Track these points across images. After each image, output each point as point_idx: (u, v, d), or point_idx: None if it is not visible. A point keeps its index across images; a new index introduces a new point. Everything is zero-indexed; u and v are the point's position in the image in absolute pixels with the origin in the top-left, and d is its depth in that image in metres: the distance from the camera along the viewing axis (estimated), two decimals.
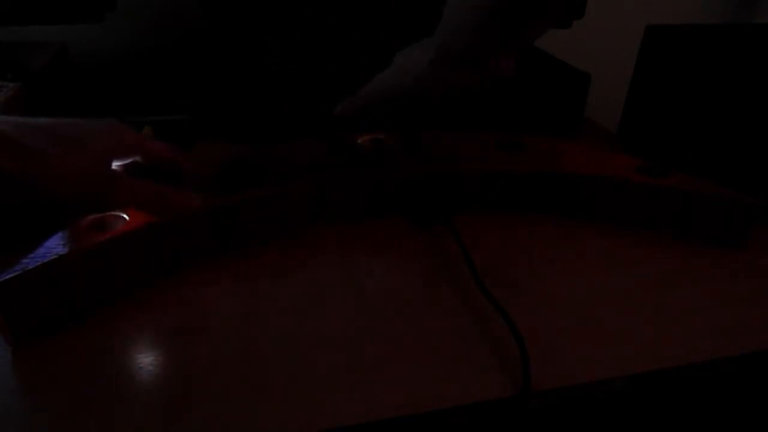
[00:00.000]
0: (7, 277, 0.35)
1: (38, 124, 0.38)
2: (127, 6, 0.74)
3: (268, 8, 0.65)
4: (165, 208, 0.42)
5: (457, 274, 0.44)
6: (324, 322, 0.40)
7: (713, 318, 0.41)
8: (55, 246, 0.38)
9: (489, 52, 0.46)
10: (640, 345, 0.39)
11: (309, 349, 0.38)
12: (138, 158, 0.44)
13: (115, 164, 0.42)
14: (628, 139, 0.71)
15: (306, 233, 0.49)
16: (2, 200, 0.36)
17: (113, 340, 0.38)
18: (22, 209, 0.43)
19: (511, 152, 0.54)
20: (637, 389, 0.36)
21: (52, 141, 0.37)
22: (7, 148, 0.35)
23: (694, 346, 0.39)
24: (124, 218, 0.42)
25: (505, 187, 0.52)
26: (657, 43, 0.66)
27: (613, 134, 0.73)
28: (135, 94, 0.79)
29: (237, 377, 0.35)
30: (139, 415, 0.33)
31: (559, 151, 0.55)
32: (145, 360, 0.36)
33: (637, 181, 0.50)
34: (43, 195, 0.36)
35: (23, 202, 0.37)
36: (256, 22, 0.66)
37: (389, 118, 0.56)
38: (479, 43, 0.45)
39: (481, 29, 0.43)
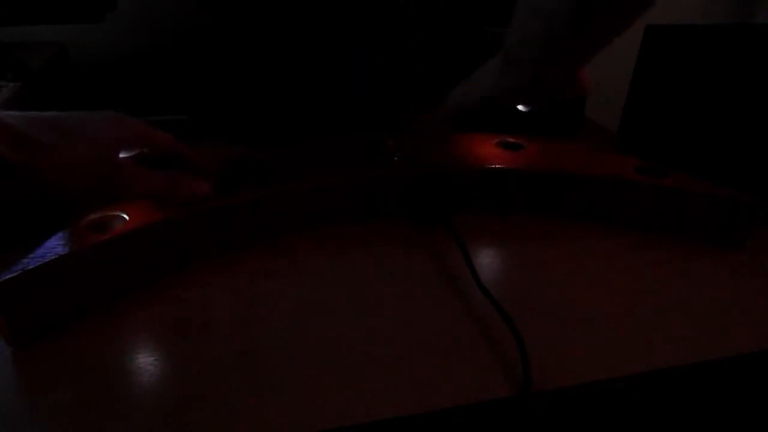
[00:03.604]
0: (7, 277, 0.35)
1: (45, 117, 0.38)
2: (127, 6, 0.74)
3: (269, 9, 0.65)
4: (175, 196, 0.42)
5: (457, 274, 0.44)
6: (324, 322, 0.40)
7: (713, 318, 0.41)
8: (55, 246, 0.38)
9: (559, 60, 0.44)
10: (640, 345, 0.39)
11: (308, 349, 0.38)
12: (144, 149, 0.44)
13: (122, 155, 0.42)
14: (628, 139, 0.71)
15: (306, 233, 0.49)
16: (11, 194, 0.36)
17: (113, 340, 0.38)
18: (23, 209, 0.43)
19: (512, 152, 0.54)
20: (636, 389, 0.36)
21: (60, 133, 0.37)
22: (17, 140, 0.35)
23: (694, 346, 0.39)
24: (124, 218, 0.42)
25: (505, 187, 0.52)
26: (657, 43, 0.66)
27: (613, 134, 0.73)
28: (135, 94, 0.79)
29: (237, 377, 0.35)
30: (139, 414, 0.33)
31: (559, 151, 0.55)
32: (146, 360, 0.36)
33: (637, 181, 0.50)
34: (53, 187, 0.36)
35: (31, 196, 0.37)
36: (256, 22, 0.66)
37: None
38: (550, 50, 0.43)
39: (552, 36, 0.42)
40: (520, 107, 0.53)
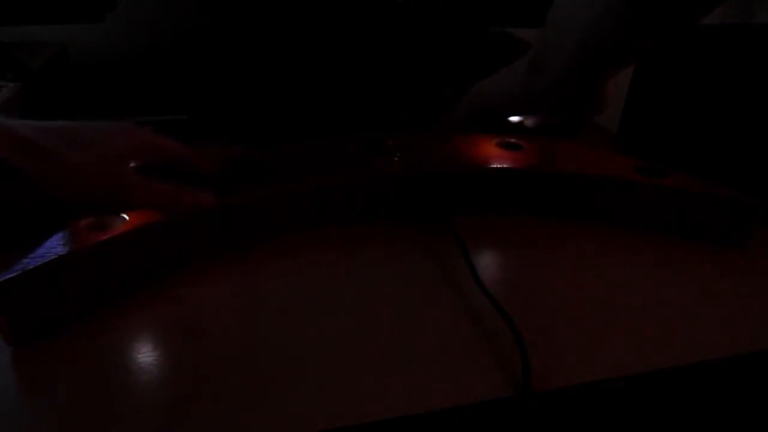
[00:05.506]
0: (7, 277, 0.35)
1: (55, 127, 0.39)
2: (127, 6, 0.74)
3: (269, 9, 0.65)
4: (180, 208, 0.42)
5: (457, 274, 0.44)
6: (323, 322, 0.40)
7: (713, 318, 0.41)
8: (55, 246, 0.38)
9: (586, 72, 0.44)
10: (640, 345, 0.39)
11: (308, 349, 0.38)
12: (153, 159, 0.44)
13: (131, 165, 0.42)
14: (628, 139, 0.71)
15: (306, 233, 0.49)
16: (20, 200, 0.36)
17: (113, 340, 0.38)
18: (23, 209, 0.43)
19: (512, 152, 0.54)
20: (636, 389, 0.36)
21: (70, 143, 0.38)
22: (28, 149, 0.36)
23: (693, 346, 0.39)
24: (124, 218, 0.42)
25: (505, 187, 0.52)
26: (657, 43, 0.66)
27: (613, 134, 0.73)
28: (135, 94, 0.79)
29: (237, 377, 0.35)
30: (139, 414, 0.33)
31: (559, 151, 0.55)
32: (146, 360, 0.36)
33: (637, 181, 0.50)
34: (61, 195, 0.37)
35: (36, 201, 0.37)
36: (256, 22, 0.66)
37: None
38: (578, 61, 0.43)
39: (583, 48, 0.42)
40: (512, 118, 0.53)
